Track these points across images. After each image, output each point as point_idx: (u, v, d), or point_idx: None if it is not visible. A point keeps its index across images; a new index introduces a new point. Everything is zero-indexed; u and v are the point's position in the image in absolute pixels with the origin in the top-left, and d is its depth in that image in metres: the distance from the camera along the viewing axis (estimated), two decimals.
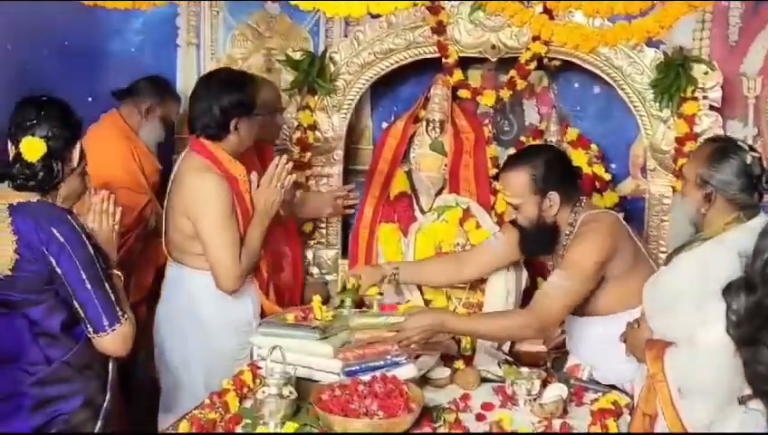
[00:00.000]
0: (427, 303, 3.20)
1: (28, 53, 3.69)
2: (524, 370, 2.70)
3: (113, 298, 2.41)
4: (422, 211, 3.53)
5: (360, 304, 3.06)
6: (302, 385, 2.55)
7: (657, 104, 3.30)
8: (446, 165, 3.57)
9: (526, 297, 3.05)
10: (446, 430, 2.39)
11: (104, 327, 2.38)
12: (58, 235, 2.34)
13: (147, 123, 3.72)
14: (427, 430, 2.40)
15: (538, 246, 2.90)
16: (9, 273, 2.34)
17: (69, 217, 2.40)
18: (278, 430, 2.37)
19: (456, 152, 3.58)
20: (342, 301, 2.95)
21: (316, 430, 2.39)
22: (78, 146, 2.49)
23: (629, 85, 3.35)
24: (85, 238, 2.39)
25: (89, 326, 2.38)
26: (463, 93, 3.57)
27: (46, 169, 2.41)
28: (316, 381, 2.61)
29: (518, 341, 2.98)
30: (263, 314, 3.06)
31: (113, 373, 2.48)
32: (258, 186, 3.03)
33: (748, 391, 1.96)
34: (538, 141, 3.54)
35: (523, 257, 3.06)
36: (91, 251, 2.39)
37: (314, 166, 3.65)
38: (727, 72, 3.35)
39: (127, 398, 2.92)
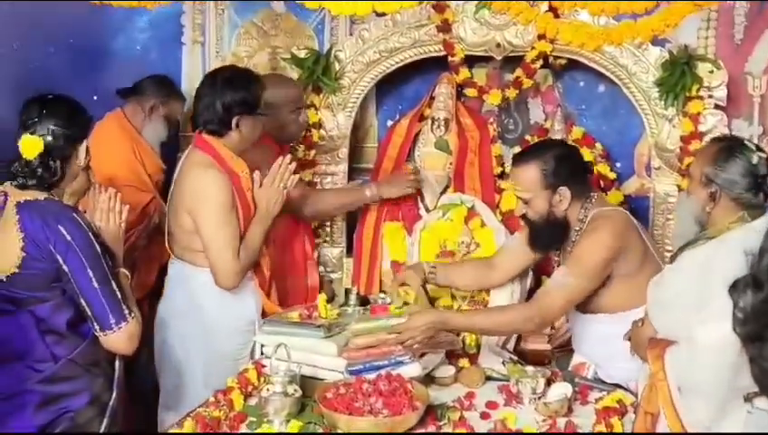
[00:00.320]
0: (432, 301, 3.20)
1: (34, 52, 3.70)
2: (529, 368, 2.70)
3: (120, 296, 2.41)
4: (427, 209, 3.53)
5: (364, 301, 3.06)
6: (307, 383, 2.54)
7: (663, 103, 3.30)
8: (450, 163, 3.56)
9: (531, 296, 3.02)
10: (451, 429, 2.39)
11: (111, 325, 2.39)
12: (65, 233, 2.34)
13: (150, 122, 3.72)
14: (432, 428, 2.40)
15: (547, 242, 2.89)
16: (16, 270, 2.35)
17: (76, 215, 2.41)
18: (283, 429, 2.37)
19: (460, 151, 3.57)
20: (347, 299, 2.97)
21: (321, 429, 2.39)
22: (85, 144, 2.49)
23: (635, 84, 3.35)
24: (92, 237, 2.40)
25: (95, 324, 2.38)
26: (470, 92, 3.57)
27: (44, 166, 2.40)
28: (321, 379, 2.61)
29: (522, 334, 2.97)
30: (263, 314, 3.04)
31: (120, 371, 2.49)
32: (261, 185, 3.04)
33: (755, 389, 1.96)
34: None
35: (540, 257, 3.04)
36: (98, 249, 2.40)
37: (319, 164, 3.64)
38: (732, 71, 3.34)
39: (129, 396, 2.92)
